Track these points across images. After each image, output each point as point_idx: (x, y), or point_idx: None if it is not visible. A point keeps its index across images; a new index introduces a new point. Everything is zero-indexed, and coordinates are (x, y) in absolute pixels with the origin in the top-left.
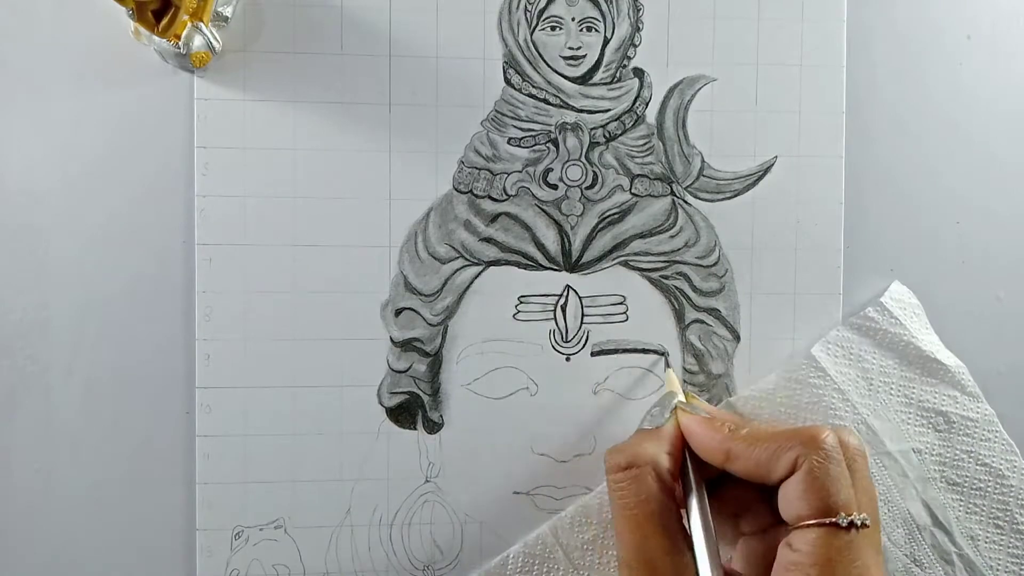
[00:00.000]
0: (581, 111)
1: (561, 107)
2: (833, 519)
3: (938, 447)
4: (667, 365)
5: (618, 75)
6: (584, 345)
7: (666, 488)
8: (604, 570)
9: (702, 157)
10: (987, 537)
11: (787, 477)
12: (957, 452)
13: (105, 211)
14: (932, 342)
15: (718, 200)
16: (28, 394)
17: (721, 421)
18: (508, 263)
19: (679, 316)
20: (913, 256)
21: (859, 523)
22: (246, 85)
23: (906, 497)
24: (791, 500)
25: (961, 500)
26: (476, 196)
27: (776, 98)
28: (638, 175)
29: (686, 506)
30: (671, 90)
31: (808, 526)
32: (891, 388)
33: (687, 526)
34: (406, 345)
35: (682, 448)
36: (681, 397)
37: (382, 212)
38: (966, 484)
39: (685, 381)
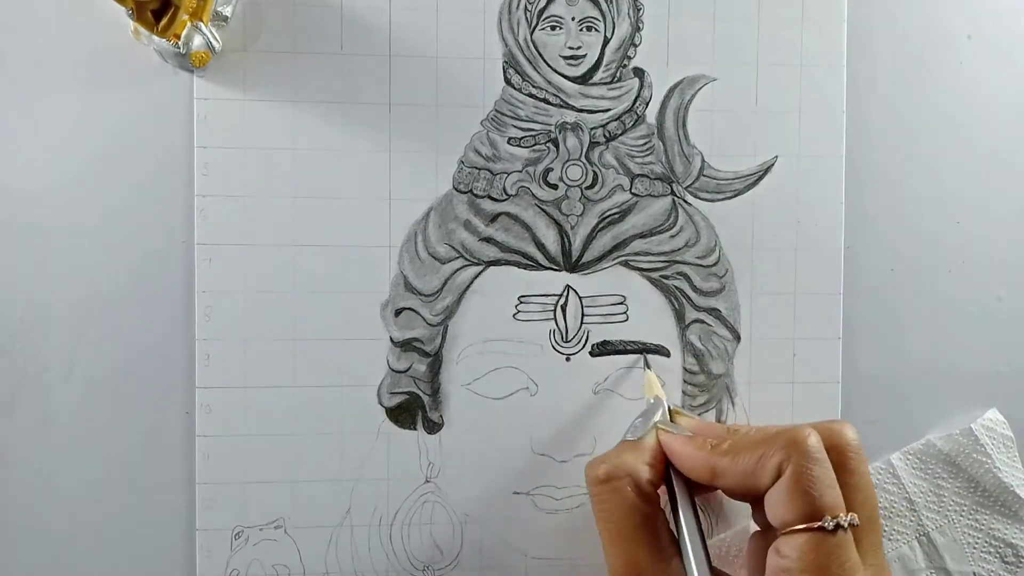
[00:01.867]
0: (581, 111)
1: (561, 107)
2: (819, 523)
3: None
4: (646, 366)
5: (618, 75)
6: (584, 345)
7: (648, 498)
8: None
9: (702, 157)
10: None
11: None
12: None
13: (105, 211)
14: (1016, 476)
15: (718, 200)
16: (28, 394)
17: (703, 438)
18: (508, 263)
19: (679, 316)
20: (913, 256)
21: (846, 524)
22: (246, 85)
23: None
24: (776, 506)
25: None
26: (476, 196)
27: (776, 98)
28: (638, 175)
29: (674, 515)
30: (671, 90)
31: (794, 531)
32: (962, 509)
33: (676, 533)
34: (406, 345)
35: (663, 459)
36: (662, 414)
37: (382, 212)
38: None
39: (685, 381)
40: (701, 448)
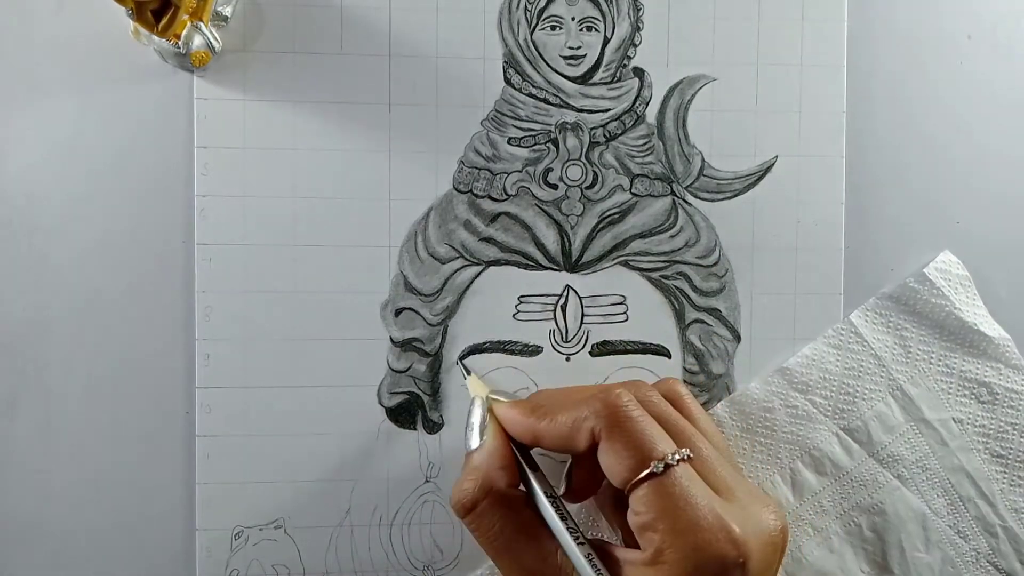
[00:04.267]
0: (581, 111)
1: (561, 107)
2: (647, 470)
3: (981, 418)
4: (466, 373)
5: (618, 75)
6: (584, 345)
7: (514, 503)
8: None
9: (702, 157)
10: None
11: (592, 446)
12: (1002, 424)
13: (105, 211)
14: (978, 314)
15: (718, 200)
16: (28, 394)
17: (527, 402)
18: (508, 263)
19: (679, 316)
20: (913, 256)
21: (675, 460)
22: (246, 85)
23: (946, 466)
24: (608, 469)
25: (1006, 472)
26: (476, 196)
27: (776, 98)
28: (638, 175)
29: (536, 502)
30: (671, 90)
31: (635, 486)
32: (930, 357)
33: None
34: (406, 345)
35: (511, 453)
36: (482, 410)
37: (382, 212)
38: (1011, 456)
39: (685, 381)
40: (524, 413)
